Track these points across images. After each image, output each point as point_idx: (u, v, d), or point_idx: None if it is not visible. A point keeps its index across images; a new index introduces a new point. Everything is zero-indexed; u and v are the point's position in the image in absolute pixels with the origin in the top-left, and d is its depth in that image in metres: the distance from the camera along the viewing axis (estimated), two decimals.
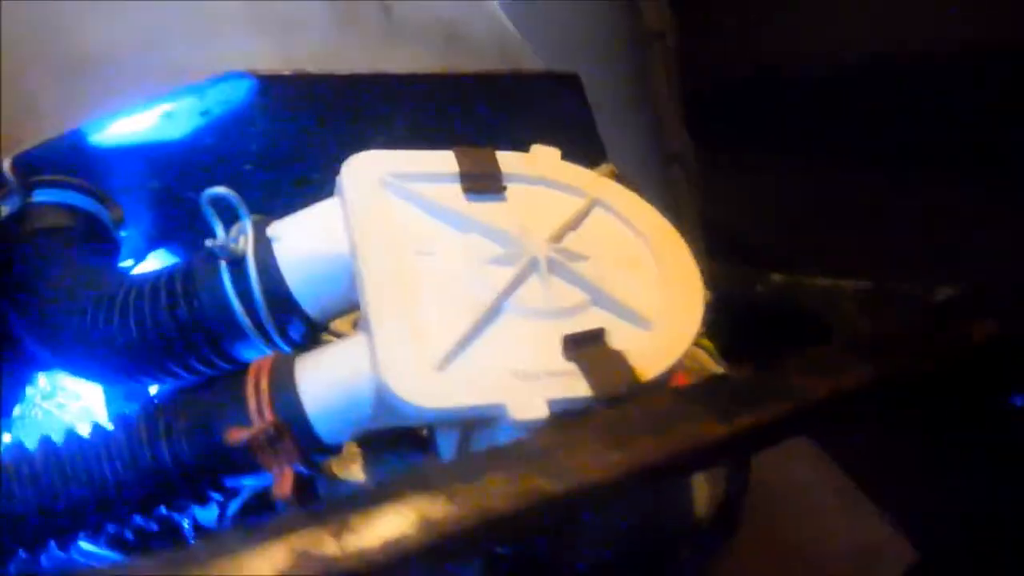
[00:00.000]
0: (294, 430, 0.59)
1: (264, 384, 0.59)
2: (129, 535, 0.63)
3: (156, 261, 0.87)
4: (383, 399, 0.57)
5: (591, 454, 0.41)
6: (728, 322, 0.83)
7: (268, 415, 0.58)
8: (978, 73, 1.01)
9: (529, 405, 0.56)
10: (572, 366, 0.59)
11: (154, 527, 0.63)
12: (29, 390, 0.84)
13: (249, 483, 0.62)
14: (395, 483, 0.39)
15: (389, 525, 0.36)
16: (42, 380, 0.88)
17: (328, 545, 0.35)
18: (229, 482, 0.62)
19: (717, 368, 0.78)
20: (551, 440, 0.45)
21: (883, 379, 0.48)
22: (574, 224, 0.69)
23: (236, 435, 0.57)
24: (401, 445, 0.69)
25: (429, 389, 0.56)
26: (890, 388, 0.49)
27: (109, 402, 0.81)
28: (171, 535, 0.70)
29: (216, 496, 0.62)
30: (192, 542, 0.63)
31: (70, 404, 0.92)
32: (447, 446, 0.62)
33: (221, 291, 0.65)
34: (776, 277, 0.87)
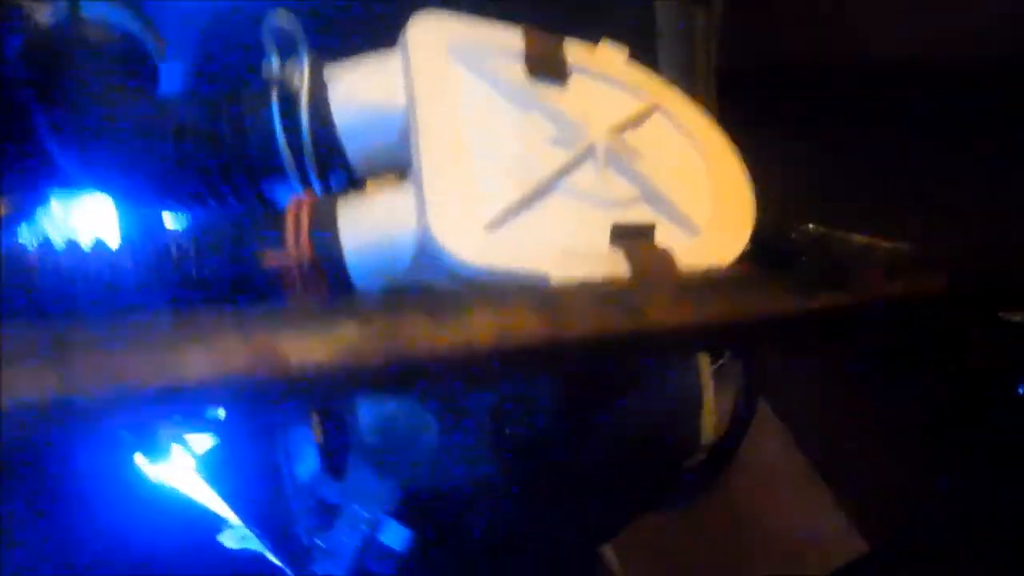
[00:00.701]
0: (327, 268, 0.57)
1: (305, 218, 0.57)
2: None
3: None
4: (425, 250, 0.55)
5: (668, 303, 0.40)
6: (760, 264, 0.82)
7: (305, 248, 0.56)
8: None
9: (570, 275, 0.55)
10: (618, 254, 0.58)
11: None
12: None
13: None
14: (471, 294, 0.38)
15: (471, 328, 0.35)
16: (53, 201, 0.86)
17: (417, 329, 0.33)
18: None
19: None
20: (633, 288, 0.44)
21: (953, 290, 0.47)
22: (633, 123, 0.67)
23: (271, 259, 0.55)
24: None
25: (475, 245, 0.55)
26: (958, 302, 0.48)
27: (121, 225, 0.79)
28: None
29: None
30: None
31: (77, 223, 0.90)
32: None
33: (269, 124, 0.63)
34: (811, 227, 0.86)
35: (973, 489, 0.98)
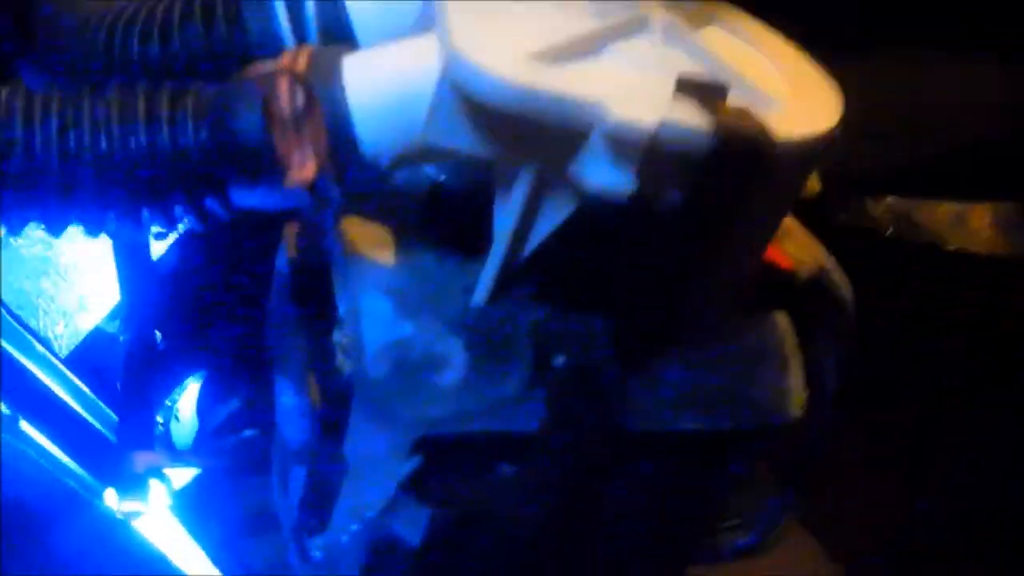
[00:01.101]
0: (328, 113, 0.46)
1: (303, 57, 0.47)
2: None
3: None
4: (451, 77, 0.45)
5: None
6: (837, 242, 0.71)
7: (302, 76, 0.45)
8: None
9: (634, 108, 0.44)
10: (688, 101, 0.47)
11: None
12: None
13: (255, 201, 0.49)
14: None
15: None
16: None
17: None
18: (235, 192, 0.48)
19: (834, 267, 0.64)
20: None
21: None
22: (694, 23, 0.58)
23: (258, 68, 0.45)
24: (442, 245, 0.56)
25: (514, 66, 0.44)
26: None
27: None
28: None
29: (215, 207, 0.49)
30: None
31: None
32: (507, 215, 0.50)
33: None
34: (891, 200, 0.75)
35: (973, 489, 0.94)
